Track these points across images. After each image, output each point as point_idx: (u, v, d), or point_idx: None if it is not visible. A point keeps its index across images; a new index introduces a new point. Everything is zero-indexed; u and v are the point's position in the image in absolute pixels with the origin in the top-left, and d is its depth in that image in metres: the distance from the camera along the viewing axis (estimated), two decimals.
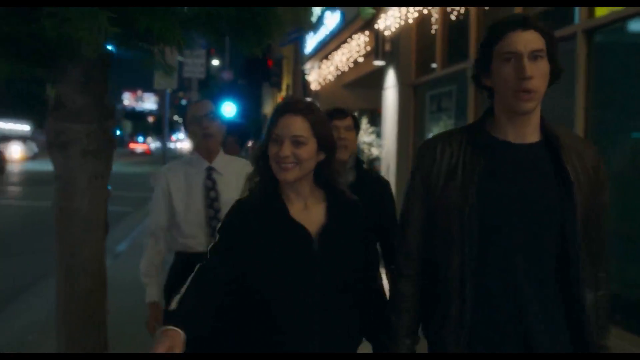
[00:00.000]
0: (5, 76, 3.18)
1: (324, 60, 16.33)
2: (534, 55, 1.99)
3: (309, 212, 2.26)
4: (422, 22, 9.44)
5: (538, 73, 1.98)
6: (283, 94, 28.72)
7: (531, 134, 2.08)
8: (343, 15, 12.99)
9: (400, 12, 9.59)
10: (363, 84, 14.06)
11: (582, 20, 5.55)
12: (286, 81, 28.32)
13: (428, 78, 9.55)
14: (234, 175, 3.60)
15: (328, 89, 16.62)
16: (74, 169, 3.34)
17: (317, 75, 17.32)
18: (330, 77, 15.58)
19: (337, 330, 2.19)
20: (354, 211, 2.32)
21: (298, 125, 2.20)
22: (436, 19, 8.97)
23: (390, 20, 9.99)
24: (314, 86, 18.03)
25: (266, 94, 37.61)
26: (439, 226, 2.10)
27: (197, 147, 3.68)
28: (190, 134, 3.69)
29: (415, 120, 9.99)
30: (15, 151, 42.43)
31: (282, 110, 2.24)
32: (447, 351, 2.07)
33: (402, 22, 9.59)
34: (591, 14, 5.49)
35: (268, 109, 31.72)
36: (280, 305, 2.14)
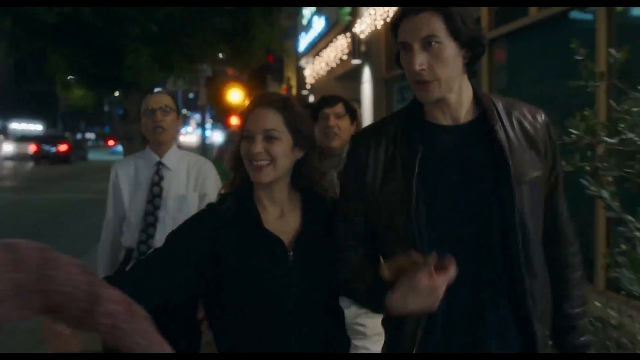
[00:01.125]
0: (89, 100, 5.37)
1: (316, 57, 18.43)
2: (427, 42, 1.82)
3: (285, 220, 2.11)
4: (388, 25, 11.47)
5: (434, 60, 1.82)
6: (285, 85, 30.80)
7: (462, 114, 1.94)
8: (327, 19, 15.12)
9: (370, 18, 11.63)
10: (350, 77, 16.15)
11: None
12: (286, 74, 30.41)
13: (395, 73, 11.60)
14: (184, 171, 3.53)
15: (321, 82, 18.69)
16: (136, 152, 5.50)
17: (311, 70, 19.43)
18: (322, 72, 17.67)
19: (319, 340, 2.06)
20: (329, 213, 2.10)
21: (270, 119, 2.05)
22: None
23: (364, 24, 12.05)
24: (309, 80, 20.14)
25: (270, 86, 39.60)
26: (383, 222, 1.96)
27: (149, 141, 3.60)
28: (143, 126, 3.60)
29: (387, 109, 12.02)
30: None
31: (253, 104, 2.11)
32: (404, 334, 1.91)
33: (373, 27, 11.63)
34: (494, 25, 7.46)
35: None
36: (255, 316, 2.02)
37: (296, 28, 21.24)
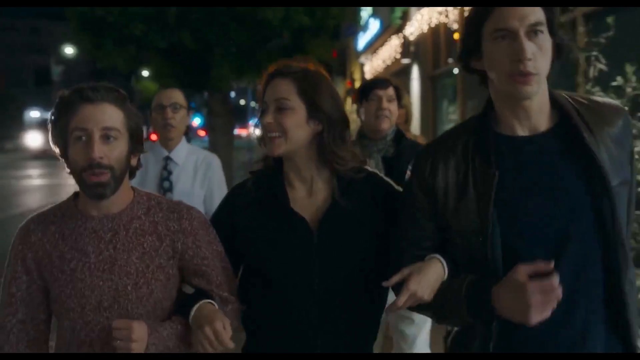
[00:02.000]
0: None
1: (374, 55, 19.87)
2: (533, 30, 1.66)
3: (313, 199, 2.04)
4: (435, 29, 12.81)
5: (538, 52, 1.66)
6: (348, 79, 32.34)
7: (542, 121, 1.77)
8: (382, 22, 16.55)
9: (418, 21, 12.99)
10: (403, 74, 17.53)
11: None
12: (349, 69, 31.93)
13: (440, 71, 12.93)
14: (192, 166, 3.55)
15: (380, 76, 20.08)
16: (219, 140, 7.18)
17: (370, 67, 20.88)
18: (379, 69, 19.10)
19: (344, 325, 2.00)
20: (364, 190, 2.04)
21: (283, 89, 1.97)
22: (443, 26, 12.34)
23: (413, 27, 13.43)
24: (368, 75, 21.60)
25: (335, 80, 41.46)
26: (457, 244, 1.83)
27: (159, 135, 3.62)
28: (153, 121, 3.62)
29: (433, 104, 13.37)
30: None
31: (268, 75, 2.04)
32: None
33: (421, 30, 12.99)
34: None
35: (340, 91, 35.47)
36: (280, 292, 2.00)
37: (355, 27, 22.72)
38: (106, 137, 1.87)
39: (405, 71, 15.21)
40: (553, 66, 1.75)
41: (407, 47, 13.96)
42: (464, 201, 1.78)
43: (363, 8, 20.45)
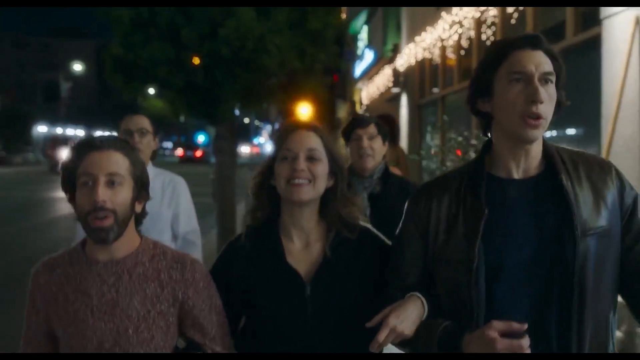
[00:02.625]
0: (168, 112, 8.44)
1: (370, 81, 21.23)
2: (545, 79, 1.78)
3: (309, 251, 2.10)
4: (422, 62, 14.13)
5: (548, 98, 1.77)
6: (349, 102, 33.77)
7: (534, 166, 1.88)
8: (376, 52, 17.93)
9: (407, 55, 14.33)
10: (395, 100, 18.91)
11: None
12: (349, 92, 33.37)
13: (425, 100, 14.24)
14: (159, 188, 3.60)
15: (374, 102, 21.47)
16: (225, 161, 8.47)
17: (366, 92, 22.25)
18: (374, 95, 20.45)
19: None
20: (357, 244, 2.11)
21: (313, 140, 2.07)
22: (429, 60, 13.66)
23: (402, 60, 14.77)
24: (364, 100, 22.96)
25: (336, 102, 42.91)
26: (441, 279, 1.91)
27: None
28: None
29: (419, 129, 14.66)
30: None
31: (293, 127, 2.12)
32: None
33: (410, 62, 14.32)
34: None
35: (342, 113, 36.81)
36: (275, 341, 2.06)
37: (353, 56, 24.28)
38: (111, 183, 1.91)
39: (396, 99, 16.54)
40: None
41: (397, 78, 15.33)
42: (454, 235, 1.86)
43: (359, 38, 22.15)
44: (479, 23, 9.76)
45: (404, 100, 15.41)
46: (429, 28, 12.32)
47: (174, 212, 3.63)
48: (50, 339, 2.02)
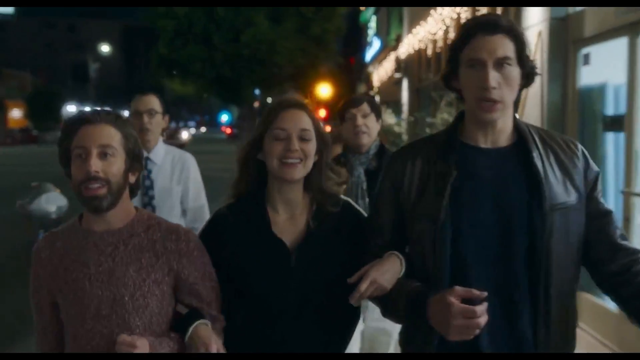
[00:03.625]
0: (192, 92, 10.78)
1: (379, 65, 23.21)
2: (500, 63, 1.87)
3: (294, 223, 2.17)
4: (419, 52, 16.07)
5: (504, 82, 1.88)
6: (364, 83, 35.82)
7: (503, 139, 1.99)
8: (382, 41, 19.90)
9: (408, 43, 16.26)
10: (400, 85, 20.91)
11: None
12: (365, 75, 35.42)
13: (424, 84, 16.16)
14: (169, 165, 3.74)
15: (384, 84, 23.47)
16: (246, 138, 10.65)
17: (377, 75, 24.23)
18: (383, 78, 22.45)
19: (316, 340, 2.14)
20: (339, 216, 2.20)
21: (305, 120, 2.13)
22: (427, 47, 15.59)
23: (404, 48, 16.73)
24: (375, 83, 24.96)
25: (358, 83, 45.27)
26: (412, 236, 2.02)
27: None
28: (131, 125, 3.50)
29: (418, 109, 16.59)
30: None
31: (285, 104, 2.16)
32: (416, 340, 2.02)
33: (411, 50, 16.27)
34: None
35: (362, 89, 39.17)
36: (260, 306, 2.12)
37: (363, 44, 26.48)
38: (103, 154, 1.95)
39: (398, 83, 18.51)
40: (524, 88, 1.95)
41: (399, 64, 17.30)
42: (425, 193, 1.97)
43: (369, 27, 24.40)
44: (458, 22, 11.65)
45: (405, 84, 17.39)
46: (422, 22, 14.26)
47: (183, 188, 3.74)
48: (56, 308, 2.08)
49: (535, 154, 1.95)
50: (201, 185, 3.90)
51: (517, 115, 2.04)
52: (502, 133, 1.99)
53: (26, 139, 54.01)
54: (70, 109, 74.19)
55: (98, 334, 1.98)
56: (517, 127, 2.01)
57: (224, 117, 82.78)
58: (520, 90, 1.96)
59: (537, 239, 1.89)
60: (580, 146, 2.04)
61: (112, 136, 1.99)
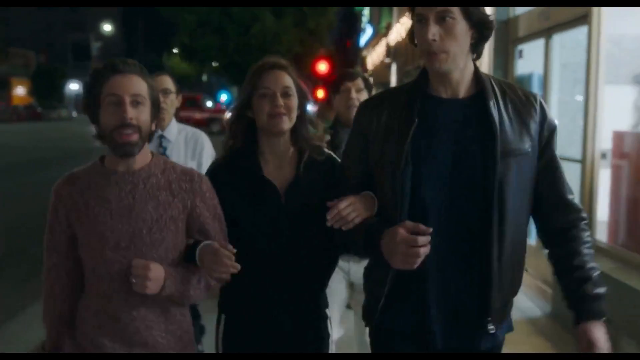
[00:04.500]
0: (192, 71, 13.19)
1: (372, 50, 24.96)
2: (441, 17, 1.95)
3: (282, 170, 2.40)
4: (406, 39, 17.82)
5: (445, 34, 1.95)
6: (360, 65, 37.53)
7: (462, 89, 2.07)
8: (374, 28, 21.67)
9: (397, 31, 18.01)
10: (389, 68, 22.71)
11: None
12: (360, 56, 37.17)
13: (410, 68, 17.89)
14: (182, 142, 3.85)
15: (377, 67, 25.25)
16: None
17: (370, 59, 26.02)
18: (376, 62, 24.22)
19: (305, 266, 2.37)
20: (324, 167, 2.41)
21: (286, 79, 2.35)
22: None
23: (393, 35, 18.48)
24: (369, 66, 26.74)
25: (356, 66, 47.25)
26: (377, 182, 2.12)
27: None
28: None
29: None
30: None
31: (269, 66, 2.38)
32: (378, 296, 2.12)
33: (399, 37, 17.99)
34: None
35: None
36: (254, 248, 2.32)
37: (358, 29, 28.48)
38: (135, 103, 2.06)
39: (388, 67, 20.29)
40: (482, 40, 2.03)
41: (389, 50, 19.09)
42: (389, 140, 2.07)
43: (363, 14, 26.39)
44: None
45: (393, 68, 19.19)
46: (407, 14, 16.00)
47: (197, 164, 3.78)
48: (73, 243, 2.19)
49: (492, 103, 2.03)
50: (211, 160, 3.89)
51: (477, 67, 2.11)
52: (460, 84, 2.07)
53: (31, 116, 54.33)
54: (73, 87, 75.20)
55: (117, 263, 2.10)
56: (479, 79, 2.09)
57: (223, 97, 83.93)
58: (477, 42, 2.03)
59: (490, 182, 1.98)
60: (539, 99, 2.12)
61: (141, 86, 2.10)
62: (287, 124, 2.35)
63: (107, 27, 76.78)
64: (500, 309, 2.09)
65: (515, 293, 2.17)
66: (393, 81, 19.18)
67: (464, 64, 2.05)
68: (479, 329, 2.08)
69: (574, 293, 2.08)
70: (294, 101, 2.36)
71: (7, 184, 13.92)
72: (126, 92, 2.06)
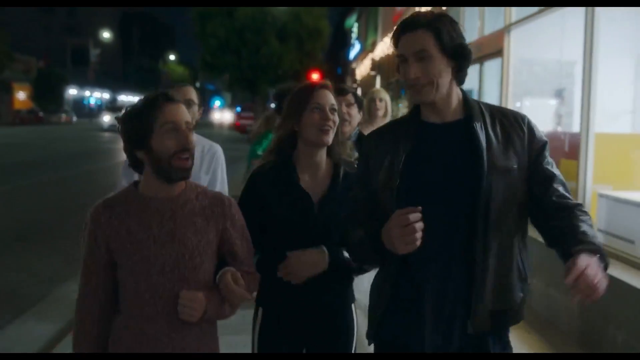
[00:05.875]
0: (187, 77, 16.74)
1: (360, 63, 27.69)
2: (420, 57, 2.07)
3: (317, 180, 2.59)
4: (389, 55, 20.37)
5: (426, 70, 2.07)
6: (349, 76, 40.42)
7: (449, 114, 2.18)
8: (361, 44, 24.47)
9: (381, 48, 20.66)
10: (374, 80, 25.33)
11: None
12: (350, 70, 40.01)
13: (392, 80, 20.45)
14: (199, 154, 3.71)
15: (364, 79, 27.92)
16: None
17: (359, 71, 28.80)
18: (364, 74, 26.88)
19: (328, 268, 2.52)
20: (352, 179, 2.51)
21: (332, 98, 2.60)
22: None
23: (378, 51, 21.16)
24: (357, 76, 29.53)
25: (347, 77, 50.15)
26: (377, 199, 2.21)
27: None
28: None
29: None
30: None
31: (319, 85, 2.62)
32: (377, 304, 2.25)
33: (383, 53, 20.62)
34: None
35: (348, 83, 44.30)
36: (283, 248, 2.51)
37: (348, 43, 31.84)
38: (189, 130, 2.19)
39: (374, 78, 22.93)
40: (462, 68, 2.13)
41: (374, 64, 21.78)
42: (384, 165, 2.19)
43: (352, 31, 29.60)
44: None
45: (378, 80, 21.86)
46: (389, 34, 18.64)
47: (211, 178, 3.80)
48: (110, 269, 2.25)
49: (478, 124, 2.13)
50: (225, 175, 3.95)
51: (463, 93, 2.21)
52: (448, 109, 2.18)
53: (33, 120, 55.58)
54: (72, 92, 75.63)
55: (161, 287, 2.18)
56: (467, 103, 2.20)
57: (217, 103, 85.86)
58: (459, 70, 2.13)
59: (477, 197, 2.07)
60: (527, 120, 2.22)
61: (188, 113, 2.25)
62: (332, 137, 2.58)
63: (106, 34, 77.84)
64: (489, 318, 2.12)
65: (507, 304, 2.16)
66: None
67: (447, 91, 2.15)
68: (465, 334, 2.13)
69: (570, 241, 1.97)
70: (337, 119, 2.60)
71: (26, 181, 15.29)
72: (182, 119, 2.18)
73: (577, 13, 5.77)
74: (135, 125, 2.17)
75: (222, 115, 68.31)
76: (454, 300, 2.12)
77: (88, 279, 2.25)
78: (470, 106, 2.18)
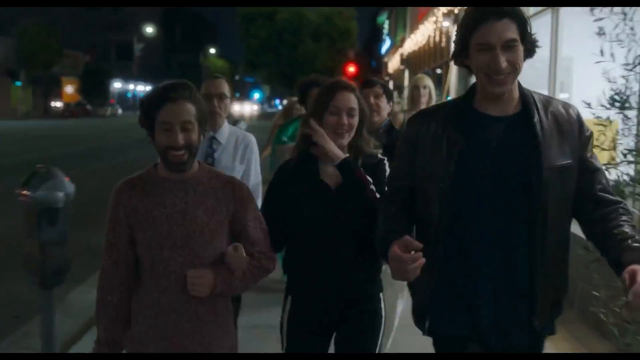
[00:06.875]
0: (227, 70, 19.70)
1: (391, 57, 29.39)
2: (508, 46, 2.04)
3: (336, 174, 2.70)
4: (417, 50, 22.01)
5: (511, 61, 2.05)
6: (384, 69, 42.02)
7: (510, 107, 2.16)
8: (391, 40, 26.28)
9: (410, 42, 22.28)
10: (403, 74, 26.97)
11: None
12: (382, 61, 41.66)
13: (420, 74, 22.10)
14: (232, 145, 3.86)
15: (395, 72, 29.57)
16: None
17: (390, 65, 30.49)
18: (395, 68, 28.55)
19: (354, 249, 2.66)
20: (374, 170, 2.73)
21: (353, 100, 2.69)
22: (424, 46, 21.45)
23: (406, 46, 22.83)
24: (390, 69, 31.25)
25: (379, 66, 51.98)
26: (422, 187, 2.20)
27: None
28: None
29: None
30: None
31: (340, 87, 2.73)
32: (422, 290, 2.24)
33: (411, 48, 22.26)
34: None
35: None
36: (314, 239, 2.68)
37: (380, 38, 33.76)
38: (185, 129, 2.27)
39: (403, 72, 24.61)
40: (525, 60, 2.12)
41: (402, 59, 23.46)
42: (436, 155, 2.15)
43: (384, 27, 31.45)
44: (440, 30, 17.47)
45: (406, 73, 23.54)
46: (417, 30, 20.32)
47: (245, 167, 3.85)
48: (131, 243, 2.39)
49: (536, 120, 2.11)
50: (259, 164, 4.01)
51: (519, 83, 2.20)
52: (510, 102, 2.16)
53: (81, 113, 57.44)
54: (117, 85, 77.46)
55: (173, 261, 2.33)
56: (523, 95, 2.18)
57: (256, 95, 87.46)
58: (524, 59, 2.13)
59: (535, 196, 2.07)
60: (576, 110, 2.22)
61: (190, 112, 2.29)
62: (347, 139, 2.73)
63: (149, 29, 79.07)
64: (548, 310, 2.16)
65: (562, 294, 2.23)
66: (406, 83, 23.34)
67: (516, 82, 2.16)
68: (523, 328, 2.15)
69: (617, 248, 2.02)
70: (356, 120, 2.72)
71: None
72: (177, 120, 2.27)
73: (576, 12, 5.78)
74: (141, 119, 2.36)
75: (242, 107, 68.53)
76: (510, 294, 2.13)
77: (110, 253, 2.40)
78: (527, 100, 2.18)
